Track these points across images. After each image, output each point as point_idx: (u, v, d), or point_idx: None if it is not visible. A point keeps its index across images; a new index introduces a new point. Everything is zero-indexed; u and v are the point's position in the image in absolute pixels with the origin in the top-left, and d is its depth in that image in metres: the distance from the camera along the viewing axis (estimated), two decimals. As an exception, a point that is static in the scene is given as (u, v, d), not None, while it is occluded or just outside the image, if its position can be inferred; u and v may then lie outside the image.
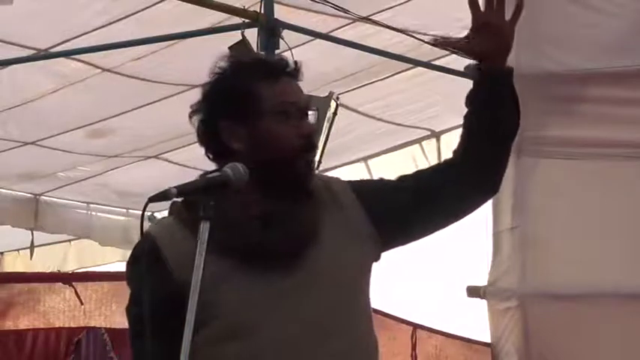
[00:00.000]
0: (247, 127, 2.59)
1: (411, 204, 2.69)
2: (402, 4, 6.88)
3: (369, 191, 2.71)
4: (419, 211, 2.70)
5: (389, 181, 2.76)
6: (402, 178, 2.75)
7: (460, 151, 2.77)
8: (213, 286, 2.49)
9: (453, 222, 2.78)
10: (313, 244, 2.56)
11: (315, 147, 2.65)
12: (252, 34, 5.46)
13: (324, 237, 2.58)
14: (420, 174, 2.80)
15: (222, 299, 2.53)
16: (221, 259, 2.51)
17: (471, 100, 2.82)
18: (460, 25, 7.18)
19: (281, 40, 5.48)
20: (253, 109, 2.59)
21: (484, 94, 2.80)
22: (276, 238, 2.55)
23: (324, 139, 6.12)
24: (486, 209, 5.32)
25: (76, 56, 6.82)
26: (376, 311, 4.09)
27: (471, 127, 2.80)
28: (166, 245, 2.58)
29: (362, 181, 2.79)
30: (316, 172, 2.72)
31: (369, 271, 2.69)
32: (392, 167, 9.00)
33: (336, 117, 6.21)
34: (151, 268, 2.54)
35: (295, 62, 2.67)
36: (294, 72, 2.65)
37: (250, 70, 2.65)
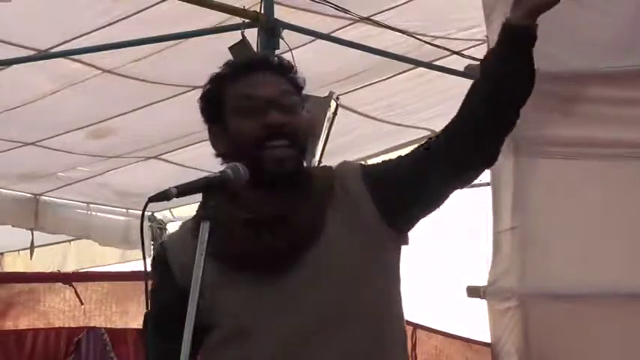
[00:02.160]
0: (222, 129, 2.63)
1: (414, 178, 2.59)
2: (402, 4, 6.88)
3: (378, 177, 2.64)
4: (423, 184, 2.58)
5: (394, 160, 2.66)
6: (409, 153, 2.66)
7: (463, 113, 2.57)
8: (216, 290, 2.51)
9: (454, 189, 2.64)
10: (314, 241, 2.54)
11: (282, 135, 2.57)
12: (252, 34, 5.46)
13: (327, 232, 2.55)
14: (426, 145, 2.64)
15: (226, 303, 2.54)
16: (221, 263, 2.52)
17: (493, 53, 2.57)
18: (460, 26, 7.20)
19: (281, 40, 5.48)
20: (219, 110, 2.63)
21: (508, 47, 2.53)
22: (274, 239, 2.54)
23: (324, 139, 6.13)
24: (486, 209, 5.33)
25: (76, 57, 6.81)
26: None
27: (482, 83, 2.56)
28: (174, 249, 2.60)
29: (373, 166, 2.70)
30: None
31: (380, 259, 2.61)
32: (392, 167, 8.98)
33: (336, 117, 6.21)
34: (158, 272, 2.60)
35: (276, 56, 2.72)
36: (267, 65, 2.65)
37: (221, 73, 2.68)
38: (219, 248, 2.48)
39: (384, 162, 2.70)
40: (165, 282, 2.59)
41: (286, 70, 2.67)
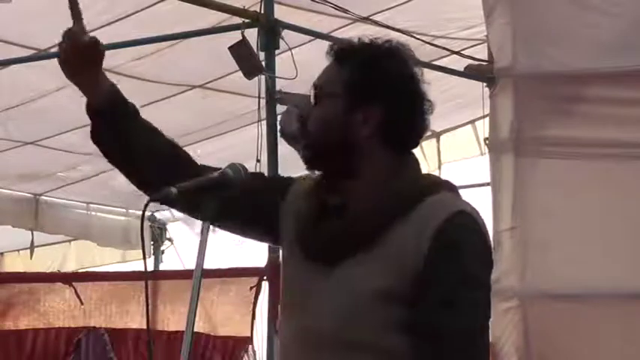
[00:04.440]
0: None
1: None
2: (402, 4, 6.88)
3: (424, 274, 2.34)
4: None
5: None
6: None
7: None
8: (289, 250, 2.56)
9: None
10: (349, 254, 2.39)
11: (305, 133, 2.52)
12: (252, 34, 5.46)
13: (371, 250, 2.37)
14: None
15: (287, 272, 2.57)
16: (293, 246, 2.52)
17: None
18: (460, 26, 7.20)
19: (281, 40, 5.47)
20: None
21: None
22: (317, 236, 2.46)
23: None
24: (486, 209, 5.33)
25: (76, 56, 6.81)
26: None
27: None
28: (299, 190, 2.56)
29: (438, 259, 2.35)
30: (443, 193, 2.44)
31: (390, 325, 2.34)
32: (392, 167, 8.97)
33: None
34: (279, 179, 2.68)
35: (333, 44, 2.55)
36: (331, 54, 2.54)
37: None
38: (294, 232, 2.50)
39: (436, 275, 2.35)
40: (274, 188, 2.60)
41: (338, 57, 2.51)
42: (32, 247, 9.93)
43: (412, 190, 2.42)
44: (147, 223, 10.03)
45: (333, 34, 6.68)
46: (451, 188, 2.50)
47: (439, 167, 8.98)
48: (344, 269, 2.39)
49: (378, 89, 2.46)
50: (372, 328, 2.35)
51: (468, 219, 2.39)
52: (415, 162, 2.52)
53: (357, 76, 2.46)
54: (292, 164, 2.61)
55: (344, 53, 2.50)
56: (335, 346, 2.38)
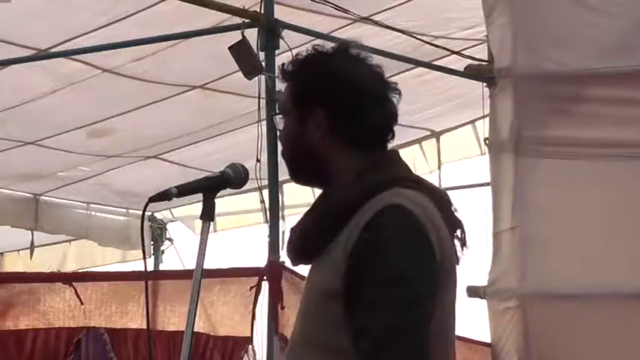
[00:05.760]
0: None
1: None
2: (401, 4, 6.88)
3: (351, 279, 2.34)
4: None
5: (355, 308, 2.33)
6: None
7: None
8: None
9: None
10: (319, 255, 2.41)
11: (283, 150, 2.57)
12: (252, 34, 5.47)
13: (328, 252, 2.39)
14: None
15: None
16: None
17: None
18: (460, 26, 7.20)
19: (281, 40, 5.48)
20: None
21: None
22: (294, 243, 2.52)
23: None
24: (486, 209, 5.33)
25: (76, 56, 6.82)
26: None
27: None
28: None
29: (359, 259, 2.33)
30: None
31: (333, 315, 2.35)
32: (392, 167, 8.97)
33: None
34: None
35: (282, 64, 2.61)
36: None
37: None
38: None
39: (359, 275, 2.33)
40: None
41: (284, 77, 2.60)
42: (32, 247, 9.94)
43: (372, 187, 2.40)
44: (147, 223, 10.04)
45: (333, 34, 6.69)
46: (418, 185, 2.44)
47: (439, 167, 8.97)
48: (316, 270, 2.43)
49: (317, 93, 2.51)
50: (327, 328, 2.36)
51: (401, 214, 2.33)
52: (390, 160, 2.52)
53: (298, 87, 2.55)
54: (292, 164, 2.63)
55: (286, 72, 2.58)
56: (312, 346, 2.41)
